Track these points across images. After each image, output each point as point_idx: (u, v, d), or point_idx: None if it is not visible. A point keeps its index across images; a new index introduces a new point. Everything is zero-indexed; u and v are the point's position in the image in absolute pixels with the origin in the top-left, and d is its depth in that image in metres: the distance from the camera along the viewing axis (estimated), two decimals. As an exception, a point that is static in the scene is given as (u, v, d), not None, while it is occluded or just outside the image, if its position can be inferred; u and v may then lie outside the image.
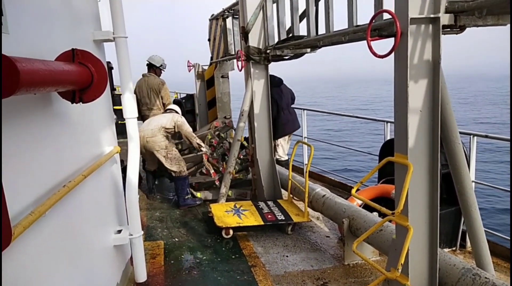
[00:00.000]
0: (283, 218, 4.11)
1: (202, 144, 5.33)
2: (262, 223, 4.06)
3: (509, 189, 3.90)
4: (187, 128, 5.29)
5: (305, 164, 4.49)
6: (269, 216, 4.17)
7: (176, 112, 5.56)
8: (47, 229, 1.77)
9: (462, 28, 2.32)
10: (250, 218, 4.16)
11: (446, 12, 2.15)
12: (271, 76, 5.64)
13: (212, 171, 5.50)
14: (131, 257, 3.25)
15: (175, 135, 5.72)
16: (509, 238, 3.65)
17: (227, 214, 4.26)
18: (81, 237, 2.27)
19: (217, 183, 5.43)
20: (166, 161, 5.11)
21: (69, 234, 2.09)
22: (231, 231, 4.12)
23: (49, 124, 1.91)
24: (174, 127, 5.24)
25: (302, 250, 3.80)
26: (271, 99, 5.40)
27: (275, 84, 5.57)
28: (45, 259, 1.76)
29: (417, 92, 2.24)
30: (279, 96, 5.58)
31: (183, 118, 5.42)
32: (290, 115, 5.73)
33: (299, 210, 4.29)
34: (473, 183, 2.91)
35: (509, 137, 3.43)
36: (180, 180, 5.12)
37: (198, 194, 5.33)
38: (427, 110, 2.28)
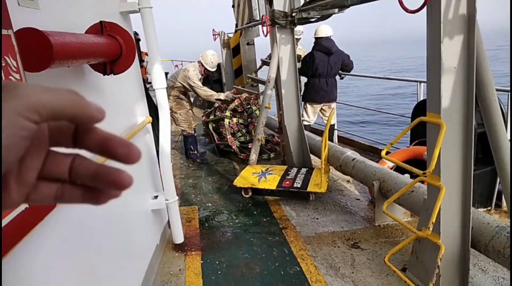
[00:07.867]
0: (298, 186, 4.03)
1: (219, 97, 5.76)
2: (274, 188, 4.07)
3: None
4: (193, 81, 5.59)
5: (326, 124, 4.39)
6: (286, 183, 4.12)
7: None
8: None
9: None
10: (268, 182, 4.20)
11: (483, -42, 2.01)
12: (332, 42, 5.70)
13: (229, 136, 5.73)
14: (168, 221, 3.43)
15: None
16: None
17: (252, 176, 4.36)
18: (123, 201, 2.41)
19: (234, 148, 5.73)
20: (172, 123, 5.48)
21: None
22: (249, 192, 4.28)
23: (84, 95, 1.98)
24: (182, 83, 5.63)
25: (332, 213, 3.86)
26: (313, 62, 5.56)
27: (326, 51, 5.62)
28: (94, 219, 1.89)
29: (451, 47, 2.14)
30: (323, 63, 5.63)
31: (193, 70, 5.63)
32: (326, 85, 5.74)
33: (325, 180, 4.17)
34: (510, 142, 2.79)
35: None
36: (186, 138, 6.07)
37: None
38: (461, 67, 2.19)
